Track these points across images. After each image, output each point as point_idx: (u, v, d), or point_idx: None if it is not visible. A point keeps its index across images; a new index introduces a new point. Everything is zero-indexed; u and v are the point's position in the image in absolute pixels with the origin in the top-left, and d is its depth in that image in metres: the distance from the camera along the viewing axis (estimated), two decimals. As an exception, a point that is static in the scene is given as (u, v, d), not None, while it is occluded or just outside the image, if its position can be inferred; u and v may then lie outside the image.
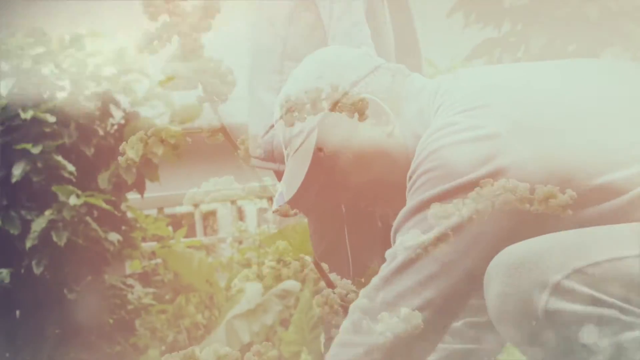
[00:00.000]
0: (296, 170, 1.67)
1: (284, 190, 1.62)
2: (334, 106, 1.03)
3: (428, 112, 1.66)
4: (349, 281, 1.29)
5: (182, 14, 1.02)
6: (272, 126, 2.38)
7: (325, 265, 1.29)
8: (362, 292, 1.45)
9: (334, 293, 1.24)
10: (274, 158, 2.40)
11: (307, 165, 1.64)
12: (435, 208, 1.02)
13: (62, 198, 3.44)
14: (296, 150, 1.69)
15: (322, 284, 1.29)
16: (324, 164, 1.67)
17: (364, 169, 1.68)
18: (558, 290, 1.41)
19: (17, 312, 3.65)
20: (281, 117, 1.08)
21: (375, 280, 1.52)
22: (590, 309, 1.41)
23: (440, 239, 1.32)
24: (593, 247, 1.44)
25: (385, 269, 1.53)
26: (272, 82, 2.45)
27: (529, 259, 1.44)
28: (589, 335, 1.41)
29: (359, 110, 1.03)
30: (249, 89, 2.52)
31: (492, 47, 3.44)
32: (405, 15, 2.63)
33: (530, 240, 1.46)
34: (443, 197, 1.48)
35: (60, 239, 3.41)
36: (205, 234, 5.29)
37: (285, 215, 1.28)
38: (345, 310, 1.25)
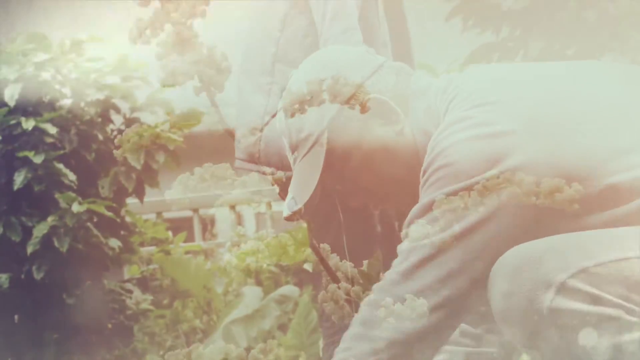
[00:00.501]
0: (308, 175, 1.66)
1: (296, 195, 1.61)
2: (335, 98, 1.03)
3: (437, 108, 1.66)
4: (351, 264, 1.28)
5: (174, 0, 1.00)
6: (259, 128, 2.38)
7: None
8: (377, 286, 1.44)
9: (339, 288, 1.24)
10: (258, 160, 2.39)
11: (319, 169, 1.64)
12: (442, 201, 1.02)
13: (63, 205, 3.45)
14: (305, 154, 1.68)
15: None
16: (334, 166, 1.67)
17: (375, 169, 1.68)
18: (563, 289, 1.42)
19: (16, 317, 3.65)
20: (281, 109, 1.07)
21: (391, 275, 1.52)
22: (594, 309, 1.41)
23: (456, 237, 1.33)
24: (598, 248, 1.45)
25: (402, 264, 1.53)
26: (261, 84, 2.45)
27: (534, 259, 1.44)
28: (588, 337, 1.41)
29: (361, 102, 1.02)
30: (238, 90, 2.51)
31: (490, 52, 3.44)
32: (400, 21, 2.63)
33: (534, 241, 1.47)
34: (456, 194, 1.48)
35: (62, 244, 3.41)
36: (204, 238, 5.29)
37: (294, 219, 1.27)
38: (351, 305, 1.25)
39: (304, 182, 1.66)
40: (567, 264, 1.43)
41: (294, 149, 1.72)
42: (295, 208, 1.61)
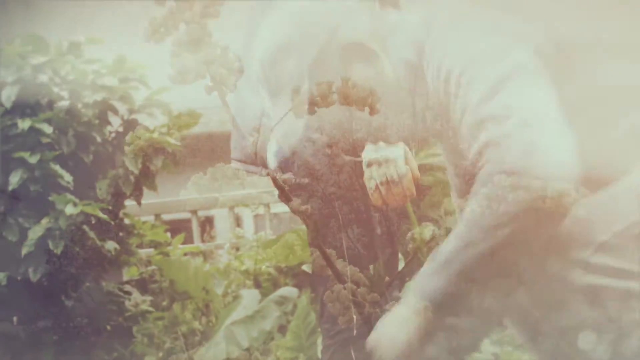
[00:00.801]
0: (293, 123, 1.65)
1: (283, 144, 1.61)
2: (345, 100, 1.03)
3: (420, 37, 1.66)
4: (356, 269, 1.28)
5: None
6: (256, 129, 2.38)
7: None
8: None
9: (345, 289, 1.24)
10: (256, 162, 2.39)
11: (303, 116, 1.63)
12: (446, 204, 1.03)
13: (59, 207, 3.44)
14: (287, 102, 1.67)
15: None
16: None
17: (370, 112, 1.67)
18: (588, 267, 1.43)
19: (15, 319, 3.65)
20: (291, 110, 1.07)
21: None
22: (620, 282, 1.42)
23: None
24: (609, 218, 1.45)
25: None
26: (258, 85, 2.45)
27: (555, 241, 1.44)
28: (586, 340, 1.42)
29: (370, 105, 1.03)
30: (235, 91, 2.50)
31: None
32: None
33: None
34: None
35: (57, 247, 3.41)
36: (203, 240, 5.28)
37: (289, 200, 1.26)
38: (356, 305, 1.25)
39: (290, 130, 1.66)
40: (586, 241, 1.44)
41: (273, 94, 1.72)
42: (283, 158, 1.60)
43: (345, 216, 2.38)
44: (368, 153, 1.94)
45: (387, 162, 1.90)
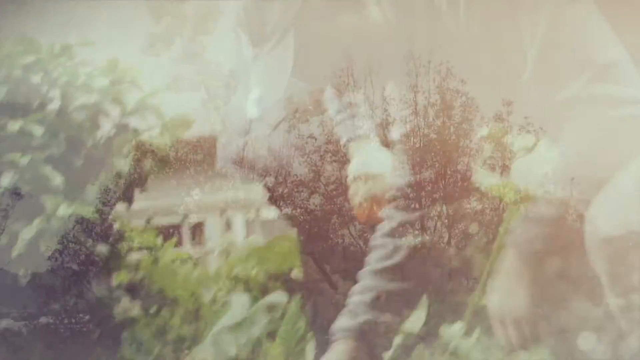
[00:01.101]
0: (277, 70, 1.62)
1: (265, 91, 1.58)
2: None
3: None
4: (350, 282, 1.28)
5: (184, 16, 1.00)
6: (246, 132, 2.37)
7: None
8: None
9: (337, 294, 1.24)
10: (243, 164, 2.39)
11: (289, 64, 1.60)
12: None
13: (50, 208, 3.44)
14: (272, 48, 1.63)
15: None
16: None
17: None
18: None
19: (15, 315, 3.64)
20: (284, 120, 1.07)
21: None
22: None
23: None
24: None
25: None
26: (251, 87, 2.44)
27: (623, 201, 1.40)
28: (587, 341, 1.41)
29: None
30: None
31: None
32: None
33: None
34: None
35: (48, 249, 3.41)
36: (193, 245, 5.27)
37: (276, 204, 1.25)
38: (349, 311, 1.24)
39: (274, 77, 1.63)
40: None
41: (255, 43, 1.69)
42: (263, 107, 1.59)
43: (347, 212, 2.37)
44: (354, 167, 1.91)
45: (374, 177, 1.88)
